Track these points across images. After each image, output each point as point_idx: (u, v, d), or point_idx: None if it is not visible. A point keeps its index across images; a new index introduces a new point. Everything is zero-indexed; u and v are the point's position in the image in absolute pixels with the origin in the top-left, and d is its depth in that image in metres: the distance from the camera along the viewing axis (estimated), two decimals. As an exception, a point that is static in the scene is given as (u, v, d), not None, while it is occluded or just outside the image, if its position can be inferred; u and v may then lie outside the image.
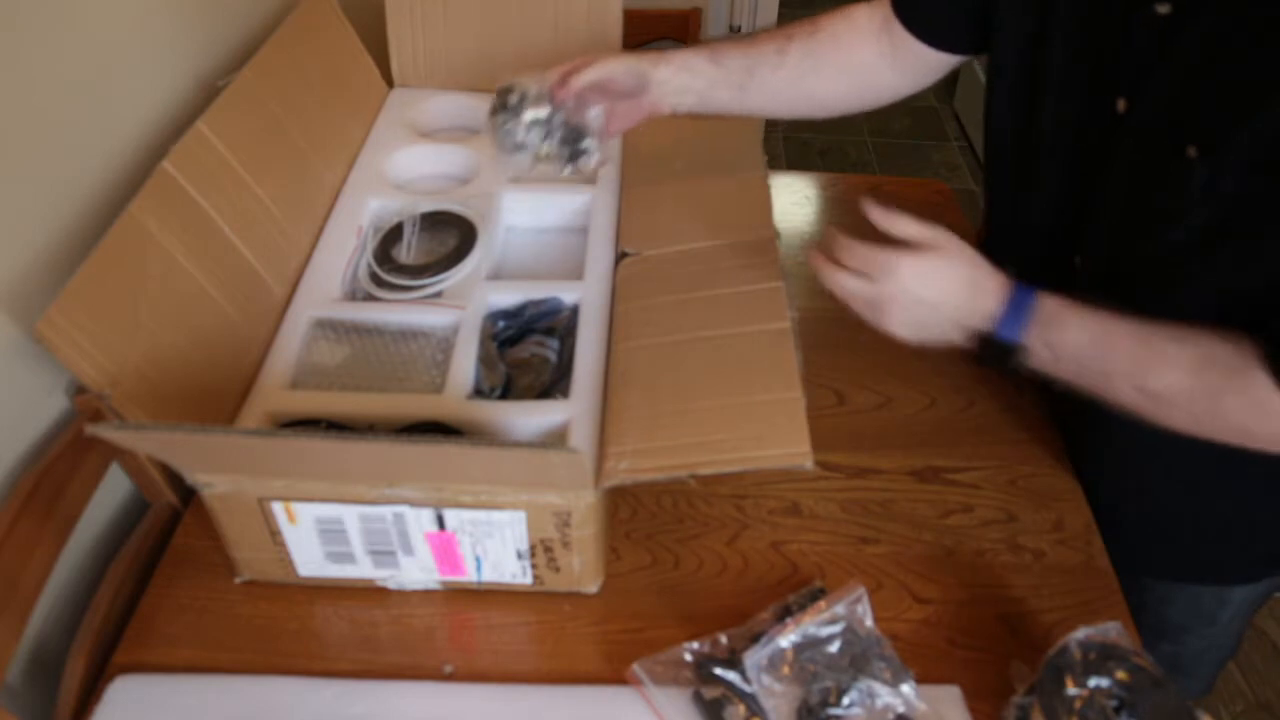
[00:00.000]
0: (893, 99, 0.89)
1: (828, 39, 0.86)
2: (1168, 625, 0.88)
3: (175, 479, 0.84)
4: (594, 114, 0.85)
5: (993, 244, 0.91)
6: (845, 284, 0.69)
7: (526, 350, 0.89)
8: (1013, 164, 0.82)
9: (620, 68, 0.83)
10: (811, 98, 0.89)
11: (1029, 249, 0.82)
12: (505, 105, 0.84)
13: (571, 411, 0.79)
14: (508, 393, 0.85)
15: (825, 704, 0.68)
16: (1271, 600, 0.92)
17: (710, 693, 0.70)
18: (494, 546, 0.76)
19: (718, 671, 0.71)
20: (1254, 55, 0.57)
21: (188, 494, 0.87)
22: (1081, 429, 0.89)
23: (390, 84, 1.18)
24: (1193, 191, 0.62)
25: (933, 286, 0.67)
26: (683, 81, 0.86)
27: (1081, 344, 0.65)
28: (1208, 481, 0.79)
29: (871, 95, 0.89)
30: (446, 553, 0.76)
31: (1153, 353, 0.63)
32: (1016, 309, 0.66)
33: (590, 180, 1.04)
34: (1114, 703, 0.64)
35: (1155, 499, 0.84)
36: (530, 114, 0.83)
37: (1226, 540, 0.83)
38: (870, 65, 0.87)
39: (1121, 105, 0.67)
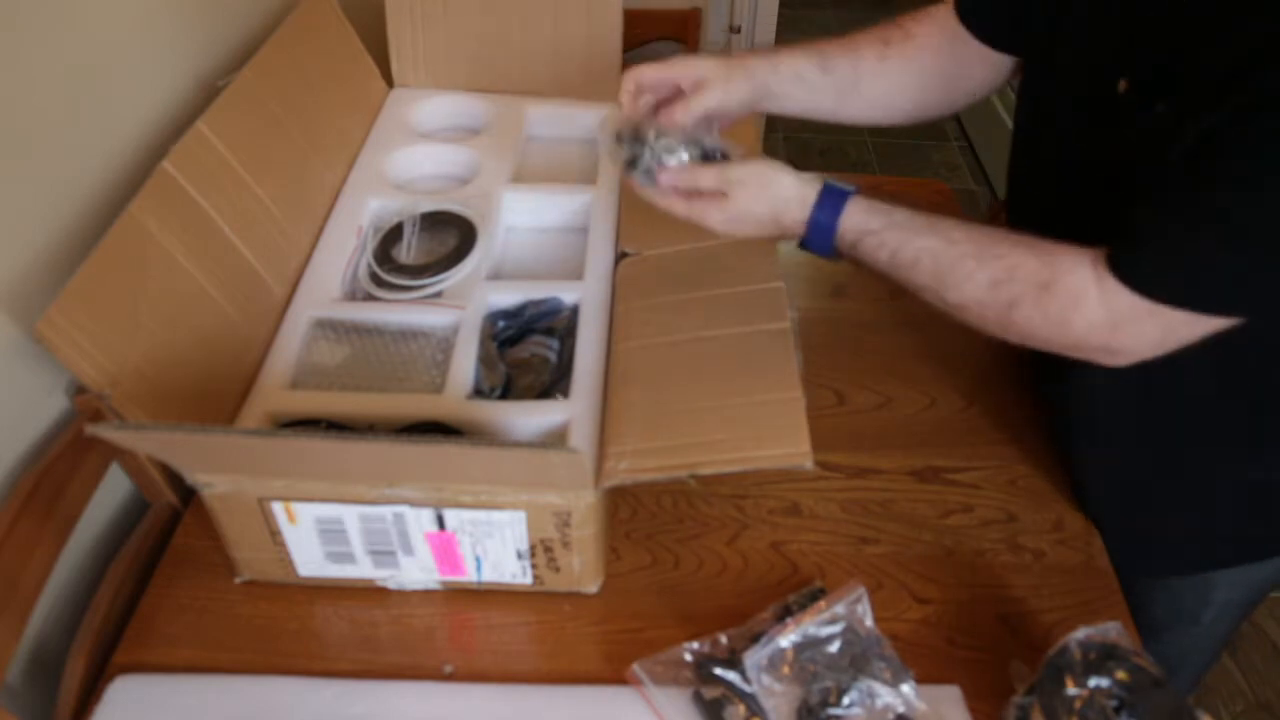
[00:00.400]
0: (972, 102, 0.89)
1: (918, 46, 0.86)
2: (1149, 625, 0.88)
3: (175, 479, 0.84)
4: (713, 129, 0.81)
5: None
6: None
7: (526, 350, 0.89)
8: (1028, 170, 0.84)
9: (737, 96, 0.80)
10: (905, 108, 0.88)
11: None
12: (636, 161, 0.76)
13: (571, 411, 0.79)
14: (508, 393, 0.85)
15: (825, 704, 0.68)
16: (1271, 600, 0.92)
17: (710, 693, 0.70)
18: (494, 546, 0.76)
19: (718, 671, 0.71)
20: (1235, 34, 0.58)
21: (188, 494, 0.87)
22: (1063, 408, 0.89)
23: (390, 84, 1.18)
24: (1165, 152, 0.63)
25: (739, 226, 0.75)
26: (790, 89, 0.84)
27: (883, 262, 0.72)
28: (1189, 461, 0.79)
29: (961, 98, 0.89)
30: (446, 553, 0.76)
31: (951, 271, 0.69)
32: (819, 232, 0.73)
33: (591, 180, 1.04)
34: (1114, 703, 0.64)
35: (1136, 482, 0.84)
36: (673, 160, 0.76)
37: (1207, 524, 0.83)
38: (956, 66, 0.86)
39: (1123, 86, 0.68)
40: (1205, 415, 0.75)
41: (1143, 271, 0.62)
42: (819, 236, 0.72)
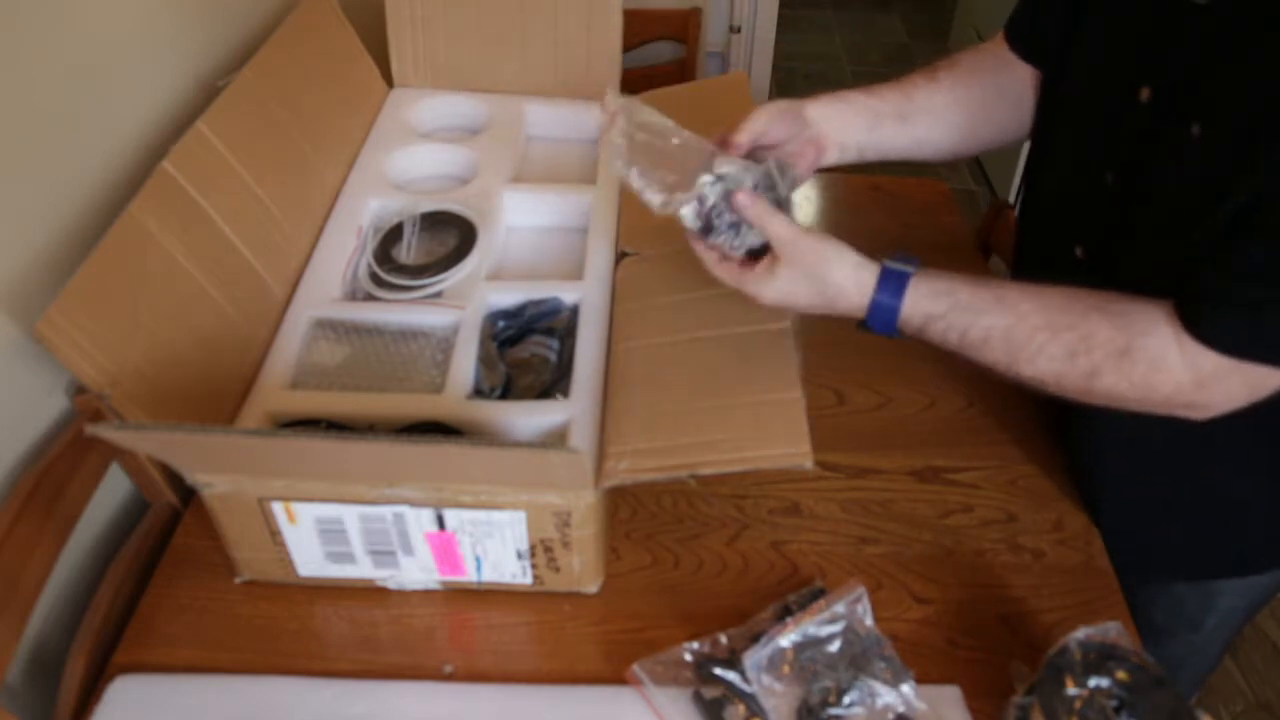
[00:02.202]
0: (1025, 133, 0.88)
1: (972, 68, 0.85)
2: (1151, 629, 0.87)
3: (175, 479, 0.84)
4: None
5: (1019, 240, 0.93)
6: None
7: (526, 350, 0.89)
8: (1043, 172, 0.84)
9: (771, 111, 0.76)
10: (973, 125, 0.86)
11: (1035, 238, 0.85)
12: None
13: (571, 411, 0.79)
14: (508, 393, 0.85)
15: (825, 704, 0.68)
16: (1271, 600, 0.92)
17: (710, 693, 0.70)
18: (494, 546, 0.76)
19: (718, 671, 0.71)
20: (1266, 39, 0.58)
21: (188, 494, 0.87)
22: (1071, 415, 0.89)
23: (390, 84, 1.18)
24: (1191, 171, 0.63)
25: (792, 300, 0.71)
26: (840, 114, 0.81)
27: (952, 343, 0.69)
28: (1200, 468, 0.79)
29: (1016, 125, 0.87)
30: (446, 553, 0.76)
31: (1024, 346, 0.67)
32: (883, 314, 0.69)
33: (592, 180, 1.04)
34: (1114, 703, 0.64)
35: (1144, 488, 0.84)
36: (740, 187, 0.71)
37: (1212, 531, 0.83)
38: (1016, 86, 0.86)
39: (1145, 94, 0.68)
40: (1229, 431, 0.73)
41: (1224, 331, 0.61)
42: (882, 318, 0.70)
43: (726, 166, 0.70)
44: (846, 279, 0.69)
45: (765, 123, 0.75)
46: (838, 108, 0.82)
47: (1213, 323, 0.61)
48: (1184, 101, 0.64)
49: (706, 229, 0.71)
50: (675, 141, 0.72)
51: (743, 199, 0.69)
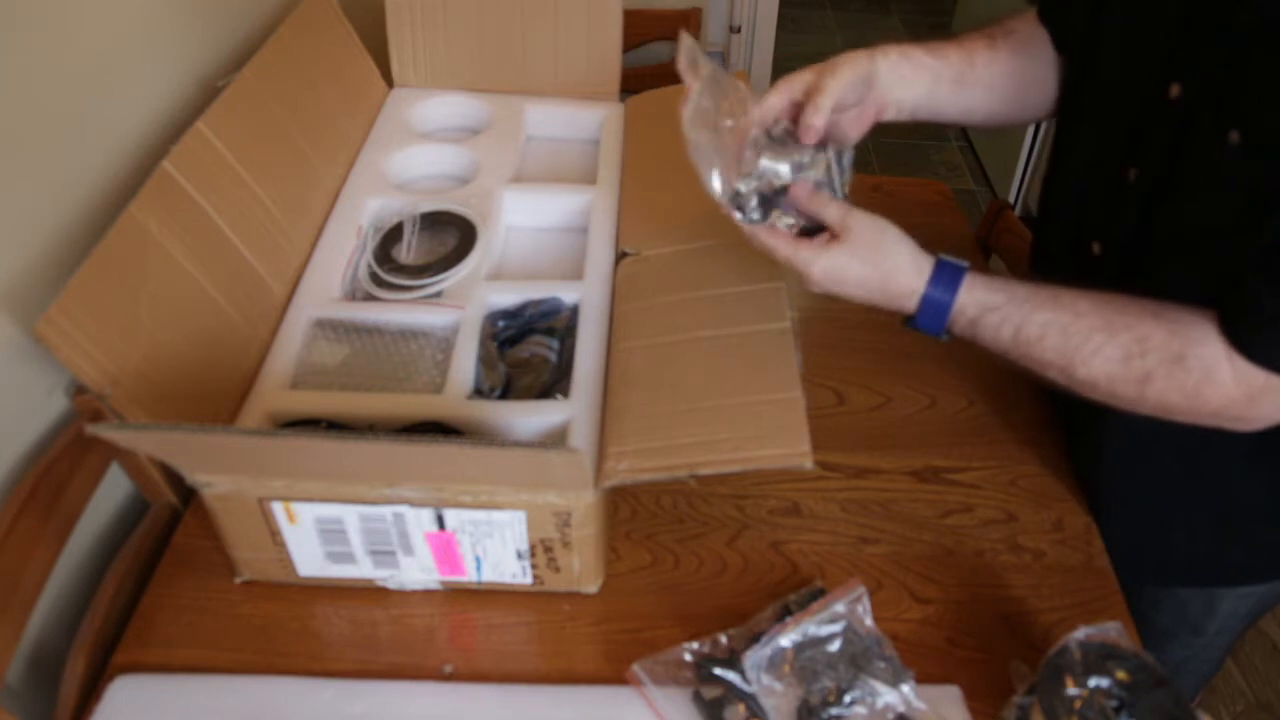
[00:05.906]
0: (1049, 113, 0.86)
1: (1025, 39, 0.83)
2: (1153, 631, 0.87)
3: (175, 479, 0.84)
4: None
5: (1036, 233, 0.93)
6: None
7: (526, 350, 0.89)
8: (1066, 171, 0.83)
9: (845, 78, 0.73)
10: (1023, 98, 0.84)
11: (1052, 233, 0.85)
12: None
13: (571, 411, 0.79)
14: (508, 393, 0.85)
15: (825, 704, 0.68)
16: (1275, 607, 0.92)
17: (710, 693, 0.70)
18: (494, 546, 0.76)
19: (718, 671, 0.71)
20: None
21: (188, 494, 0.87)
22: (1080, 419, 0.89)
23: (390, 84, 1.18)
24: (1228, 177, 0.62)
25: (843, 284, 0.70)
26: (906, 72, 0.78)
27: (1005, 339, 0.68)
28: (1206, 474, 0.79)
29: (1051, 98, 0.85)
30: (446, 553, 0.76)
31: (1079, 345, 0.66)
32: (933, 309, 0.69)
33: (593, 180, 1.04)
34: (1114, 703, 0.64)
35: (1152, 493, 0.84)
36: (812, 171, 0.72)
37: (1220, 538, 0.83)
38: (1049, 66, 0.84)
39: (1175, 91, 0.66)
40: (1238, 439, 0.71)
41: (1273, 351, 0.61)
42: (933, 313, 0.69)
43: (782, 160, 0.71)
44: (905, 260, 0.69)
45: (841, 94, 0.73)
46: (904, 69, 0.79)
47: (1261, 341, 0.61)
48: (1219, 102, 0.63)
49: (766, 209, 0.73)
50: (728, 124, 0.73)
51: (798, 191, 0.70)
